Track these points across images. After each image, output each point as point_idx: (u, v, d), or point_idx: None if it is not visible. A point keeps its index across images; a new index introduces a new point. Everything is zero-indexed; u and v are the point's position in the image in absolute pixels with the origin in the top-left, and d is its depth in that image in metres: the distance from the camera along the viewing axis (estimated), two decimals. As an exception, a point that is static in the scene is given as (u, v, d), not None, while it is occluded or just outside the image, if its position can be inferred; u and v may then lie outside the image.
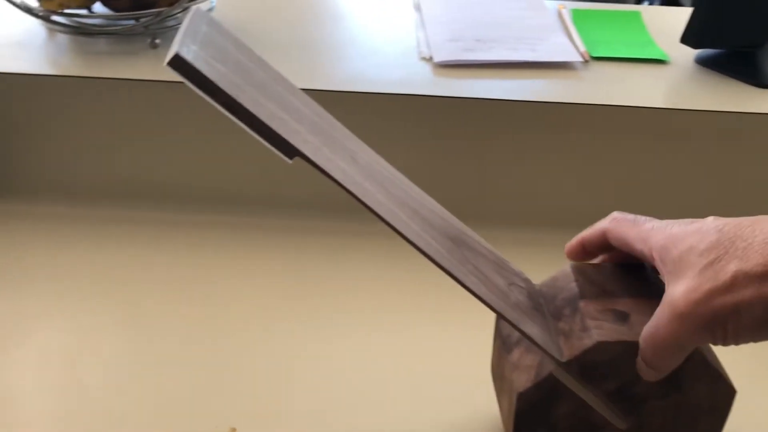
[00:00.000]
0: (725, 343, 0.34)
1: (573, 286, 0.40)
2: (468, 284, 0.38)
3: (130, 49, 0.71)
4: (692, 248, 0.34)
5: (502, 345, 0.43)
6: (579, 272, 0.42)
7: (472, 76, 0.70)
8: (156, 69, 0.67)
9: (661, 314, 0.34)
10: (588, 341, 0.37)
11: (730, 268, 0.32)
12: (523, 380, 0.39)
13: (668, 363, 0.36)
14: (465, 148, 0.68)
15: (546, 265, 0.46)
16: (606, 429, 0.39)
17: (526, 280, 0.44)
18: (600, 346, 0.36)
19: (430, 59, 0.72)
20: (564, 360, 0.37)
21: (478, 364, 0.50)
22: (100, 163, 0.70)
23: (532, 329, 0.38)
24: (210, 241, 0.66)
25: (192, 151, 0.69)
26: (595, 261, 0.43)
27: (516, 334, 0.41)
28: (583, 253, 0.42)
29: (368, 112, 0.66)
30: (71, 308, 0.58)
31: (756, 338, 0.33)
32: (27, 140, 0.69)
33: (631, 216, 0.40)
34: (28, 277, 0.61)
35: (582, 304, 0.39)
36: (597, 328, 0.37)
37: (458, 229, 0.43)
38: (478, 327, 0.50)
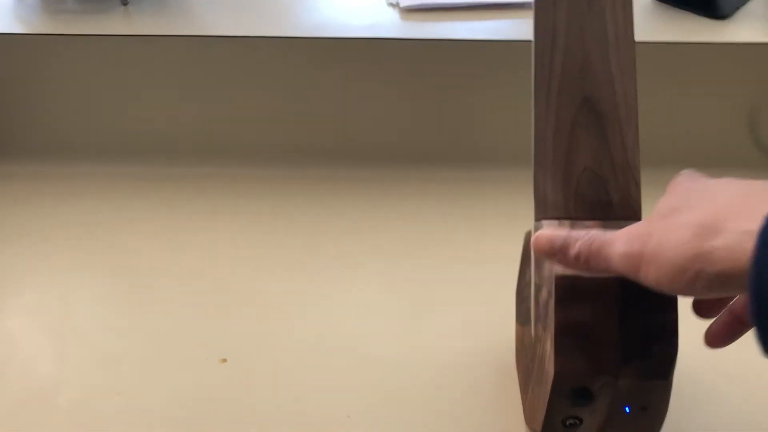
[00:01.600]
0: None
1: None
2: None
3: (100, 8, 0.72)
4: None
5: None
6: None
7: (439, 19, 0.72)
8: (128, 25, 0.68)
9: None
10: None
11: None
12: None
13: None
14: (435, 89, 0.70)
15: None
16: None
17: None
18: None
19: (397, 5, 0.74)
20: None
21: (471, 304, 0.53)
22: (76, 120, 0.71)
23: None
24: (193, 192, 0.68)
25: (171, 103, 0.71)
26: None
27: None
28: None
29: (339, 59, 0.68)
30: (63, 260, 0.61)
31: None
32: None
33: None
34: (17, 233, 0.63)
35: None
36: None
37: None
38: (473, 273, 0.52)
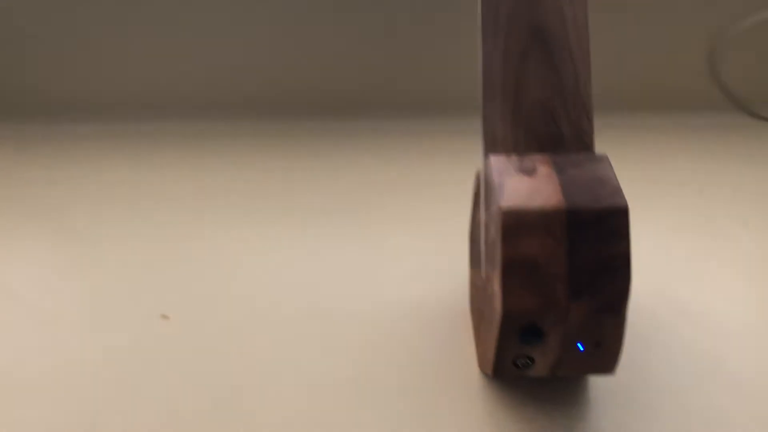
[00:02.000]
0: None
1: None
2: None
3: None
4: None
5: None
6: None
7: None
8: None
9: None
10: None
11: None
12: None
13: None
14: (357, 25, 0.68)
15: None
16: None
17: None
18: None
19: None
20: None
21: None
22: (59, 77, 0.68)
23: None
24: (129, 148, 0.65)
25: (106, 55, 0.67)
26: None
27: None
28: None
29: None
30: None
31: None
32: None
33: None
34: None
35: None
36: None
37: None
38: (424, 222, 0.50)
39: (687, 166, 0.67)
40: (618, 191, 0.38)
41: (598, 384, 0.45)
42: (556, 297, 0.37)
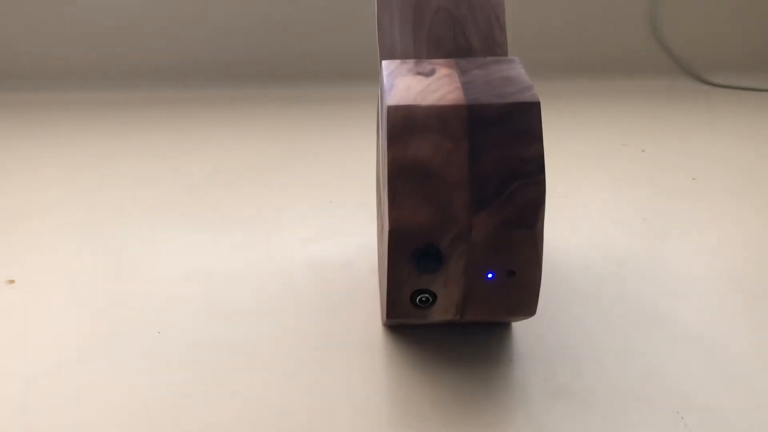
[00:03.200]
0: None
1: None
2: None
3: None
4: None
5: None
6: None
7: None
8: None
9: None
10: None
11: None
12: None
13: None
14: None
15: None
16: None
17: None
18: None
19: None
20: None
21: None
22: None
23: None
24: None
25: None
26: None
27: None
28: None
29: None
30: None
31: None
32: None
33: None
34: None
35: None
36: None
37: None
38: (330, 181, 0.44)
39: (631, 128, 0.62)
40: (529, 88, 0.31)
41: (521, 336, 0.38)
42: (454, 209, 0.30)
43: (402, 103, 0.30)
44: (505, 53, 0.37)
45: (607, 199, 0.50)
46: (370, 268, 0.43)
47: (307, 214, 0.48)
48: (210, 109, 0.60)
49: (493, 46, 0.37)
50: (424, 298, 0.32)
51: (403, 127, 0.30)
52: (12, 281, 0.41)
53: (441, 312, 0.33)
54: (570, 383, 0.34)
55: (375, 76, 0.50)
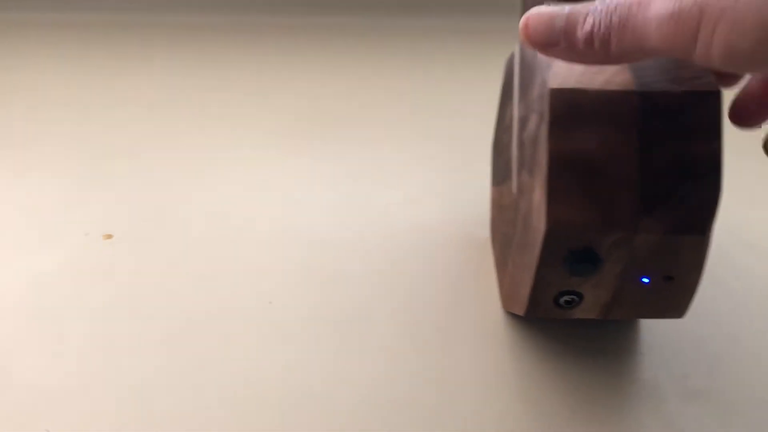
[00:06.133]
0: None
1: None
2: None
3: None
4: None
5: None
6: None
7: None
8: None
9: None
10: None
11: None
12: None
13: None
14: None
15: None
16: None
17: None
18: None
19: None
20: None
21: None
22: None
23: None
24: (87, 42, 0.55)
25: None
26: None
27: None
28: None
29: None
30: None
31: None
32: None
33: None
34: None
35: None
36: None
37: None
38: (436, 133, 0.41)
39: None
40: (707, 73, 0.27)
41: (651, 327, 0.35)
42: (620, 211, 0.27)
43: (566, 86, 0.27)
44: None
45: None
46: (480, 239, 0.40)
47: (405, 169, 0.46)
48: (298, 39, 0.56)
49: None
50: (569, 299, 0.30)
51: (567, 115, 0.27)
52: (110, 236, 0.39)
53: (584, 312, 0.31)
54: (711, 385, 0.32)
55: (510, 6, 0.46)
